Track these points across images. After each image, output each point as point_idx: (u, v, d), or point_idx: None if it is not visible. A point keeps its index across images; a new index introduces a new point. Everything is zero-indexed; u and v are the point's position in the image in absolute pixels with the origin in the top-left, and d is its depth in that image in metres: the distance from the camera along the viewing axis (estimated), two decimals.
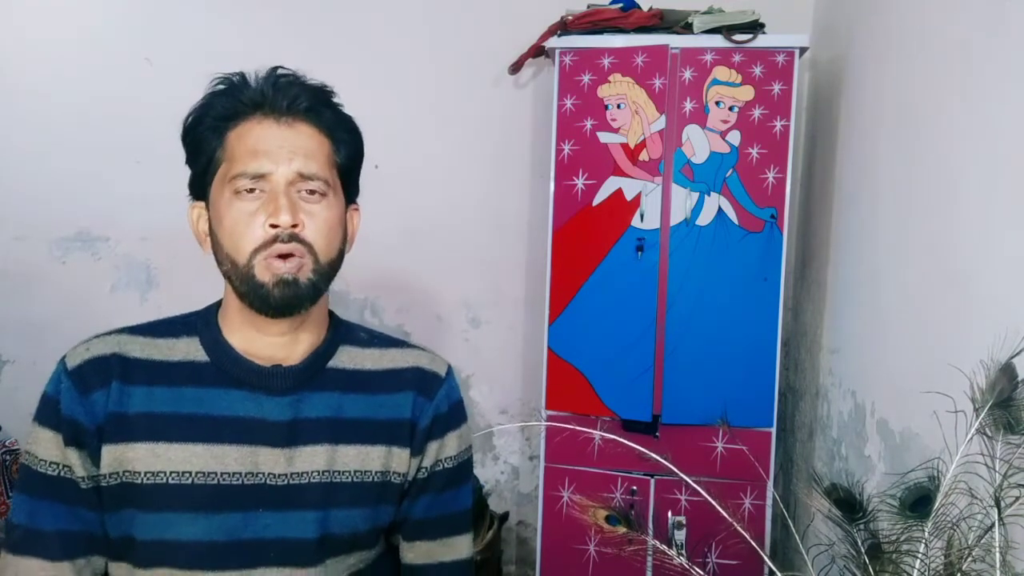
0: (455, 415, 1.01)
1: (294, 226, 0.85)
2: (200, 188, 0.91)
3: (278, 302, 0.86)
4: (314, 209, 0.88)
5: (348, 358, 0.97)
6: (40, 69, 2.39)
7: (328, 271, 0.90)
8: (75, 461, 0.86)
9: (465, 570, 1.03)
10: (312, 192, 0.88)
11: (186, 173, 0.93)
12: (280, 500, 0.89)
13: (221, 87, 0.90)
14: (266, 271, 0.85)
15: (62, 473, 0.87)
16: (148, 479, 0.86)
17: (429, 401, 0.98)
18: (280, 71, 0.90)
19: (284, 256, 0.85)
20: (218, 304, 0.96)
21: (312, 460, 0.90)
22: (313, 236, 0.87)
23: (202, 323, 0.94)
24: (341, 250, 0.92)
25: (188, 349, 0.91)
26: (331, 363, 0.95)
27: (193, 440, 0.87)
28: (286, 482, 0.89)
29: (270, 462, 0.89)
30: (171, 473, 0.86)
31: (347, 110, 0.94)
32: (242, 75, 0.90)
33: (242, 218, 0.85)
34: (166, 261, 2.45)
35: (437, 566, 1.00)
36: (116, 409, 0.87)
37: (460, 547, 1.03)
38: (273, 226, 0.84)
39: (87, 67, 2.39)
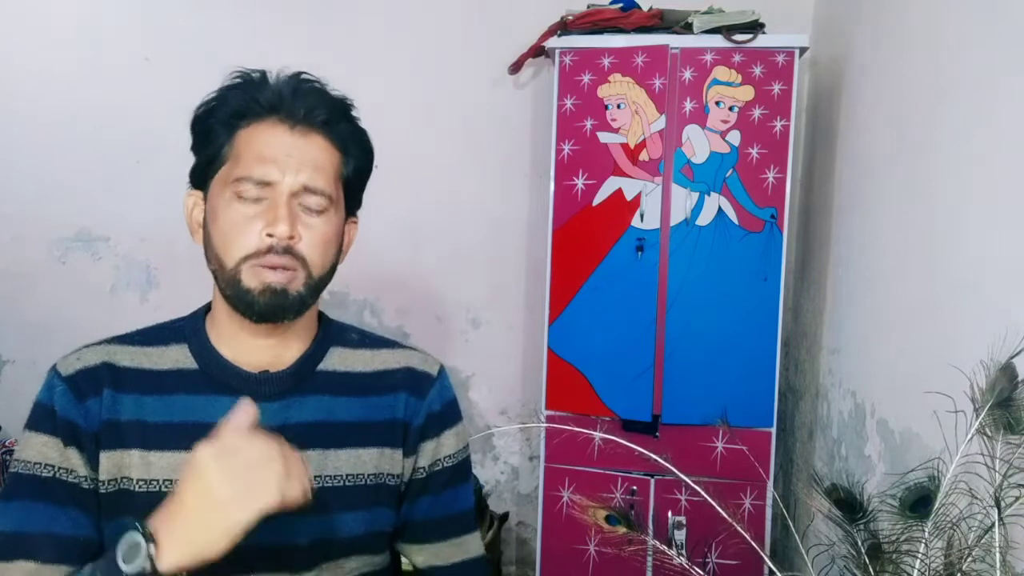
0: (449, 414, 1.00)
1: (290, 238, 0.84)
2: (200, 178, 0.90)
3: (263, 309, 0.85)
4: (313, 222, 0.87)
5: (339, 360, 0.96)
6: (40, 69, 2.39)
7: (319, 285, 0.89)
8: (77, 461, 0.85)
9: (479, 568, 1.03)
10: (313, 205, 0.86)
11: (187, 172, 0.93)
12: None
13: (239, 81, 0.88)
14: (254, 278, 0.84)
15: (57, 475, 0.85)
16: (141, 487, 0.86)
17: (421, 400, 0.97)
18: (303, 76, 0.89)
19: (275, 267, 0.84)
20: (205, 308, 0.96)
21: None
22: (307, 250, 0.86)
23: (190, 330, 0.93)
24: (334, 264, 0.92)
25: (177, 357, 0.91)
26: (321, 366, 0.94)
27: (185, 448, 0.85)
28: None
29: None
30: (164, 481, 0.86)
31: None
32: (263, 73, 0.88)
33: (239, 221, 0.84)
34: (166, 261, 2.45)
35: (450, 567, 1.00)
36: (109, 417, 0.87)
37: (470, 546, 1.02)
38: (269, 235, 0.83)
39: (87, 67, 2.39)
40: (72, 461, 0.86)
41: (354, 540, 0.93)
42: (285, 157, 0.85)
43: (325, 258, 0.89)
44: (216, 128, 0.87)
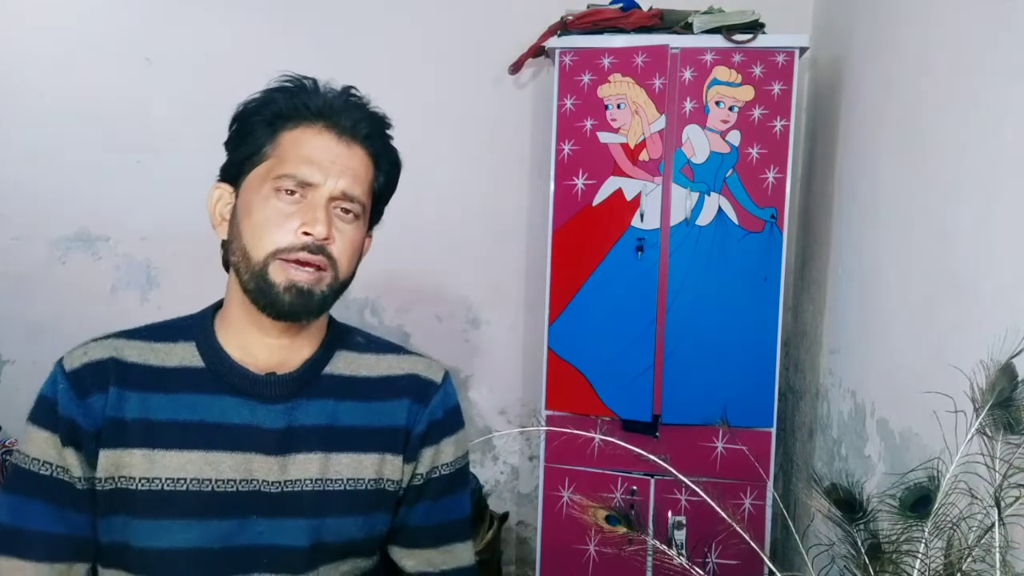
0: (451, 421, 1.01)
1: (325, 239, 0.86)
2: (232, 173, 0.92)
3: (286, 308, 0.86)
4: (345, 228, 0.89)
5: (344, 364, 0.96)
6: (40, 69, 2.39)
7: (341, 288, 0.91)
8: (73, 462, 0.86)
9: None
10: (347, 211, 0.89)
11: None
12: (274, 507, 0.89)
13: (288, 85, 0.90)
14: (281, 273, 0.85)
15: (55, 474, 0.86)
16: (143, 485, 0.86)
17: (424, 407, 0.98)
18: (352, 91, 0.93)
19: (304, 263, 0.86)
20: (215, 307, 0.96)
21: (305, 468, 0.90)
22: (339, 253, 0.89)
23: (198, 328, 0.93)
24: (355, 271, 0.94)
25: (184, 354, 0.91)
26: (327, 369, 0.95)
27: (188, 447, 0.87)
28: (280, 489, 0.89)
29: (264, 469, 0.89)
30: (166, 480, 0.86)
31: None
32: (314, 81, 0.91)
33: (275, 217, 0.86)
34: (166, 261, 2.45)
35: (438, 574, 1.00)
36: (114, 414, 0.87)
37: (461, 555, 1.02)
38: (306, 234, 0.85)
39: (87, 67, 2.39)
40: (68, 461, 0.86)
41: (353, 544, 0.93)
42: (330, 163, 0.87)
43: (351, 264, 0.92)
44: (259, 127, 0.89)
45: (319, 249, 0.86)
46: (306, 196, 0.87)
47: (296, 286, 0.85)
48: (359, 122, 0.90)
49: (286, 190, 0.86)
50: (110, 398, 0.87)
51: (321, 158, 0.87)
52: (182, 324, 0.95)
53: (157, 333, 0.93)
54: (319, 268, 0.87)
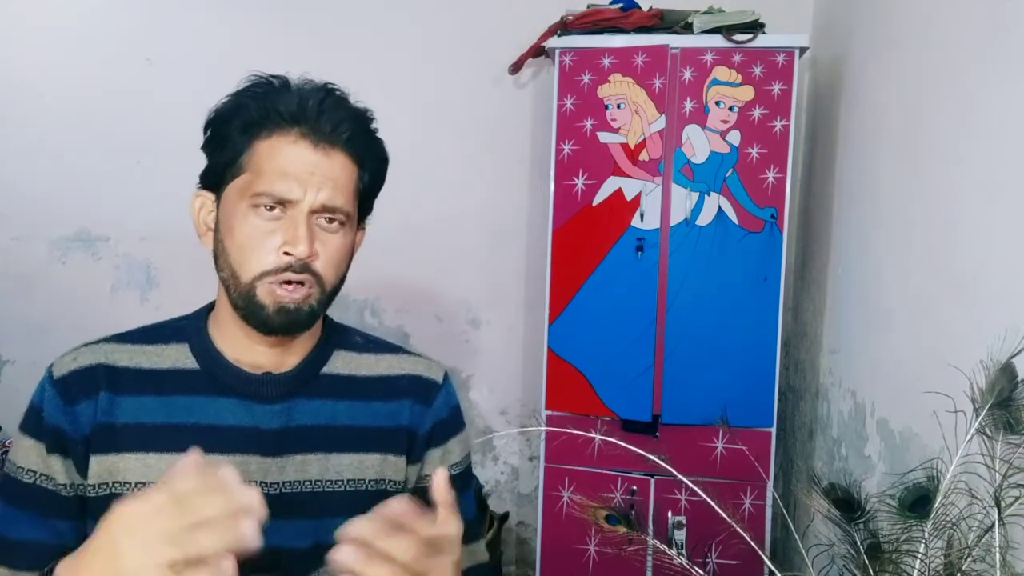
0: (455, 421, 1.00)
1: (308, 257, 0.83)
2: (211, 181, 0.89)
3: (275, 327, 0.85)
4: (329, 239, 0.86)
5: (343, 364, 0.95)
6: (40, 69, 2.39)
7: (330, 298, 0.89)
8: (58, 468, 0.85)
9: (487, 574, 1.04)
10: (331, 220, 0.86)
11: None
12: (272, 509, 0.88)
13: (259, 89, 0.85)
14: (269, 295, 0.83)
15: (39, 482, 0.85)
16: (138, 489, 0.85)
17: (427, 408, 0.97)
18: (329, 88, 0.87)
19: (291, 283, 0.83)
20: (209, 307, 0.95)
21: (305, 469, 0.89)
22: (324, 267, 0.85)
23: (192, 329, 0.92)
24: (345, 275, 0.91)
25: (178, 356, 0.90)
26: (325, 369, 0.94)
27: (183, 449, 0.85)
28: (278, 491, 0.88)
29: (262, 471, 0.88)
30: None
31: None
32: (284, 80, 0.86)
33: (256, 235, 0.83)
34: (166, 261, 2.45)
35: (464, 572, 1.01)
36: (104, 420, 0.86)
37: (478, 552, 1.03)
38: (287, 253, 0.83)
39: (87, 67, 2.39)
40: (53, 468, 0.85)
41: None
42: (307, 175, 0.83)
43: (339, 272, 0.89)
44: (233, 135, 0.85)
45: (303, 268, 0.83)
46: (286, 211, 0.83)
47: (284, 307, 0.83)
48: (339, 125, 0.85)
49: (265, 206, 0.83)
50: (100, 404, 0.86)
51: (298, 171, 0.82)
52: (175, 325, 0.93)
53: (149, 335, 0.92)
54: (306, 286, 0.84)
